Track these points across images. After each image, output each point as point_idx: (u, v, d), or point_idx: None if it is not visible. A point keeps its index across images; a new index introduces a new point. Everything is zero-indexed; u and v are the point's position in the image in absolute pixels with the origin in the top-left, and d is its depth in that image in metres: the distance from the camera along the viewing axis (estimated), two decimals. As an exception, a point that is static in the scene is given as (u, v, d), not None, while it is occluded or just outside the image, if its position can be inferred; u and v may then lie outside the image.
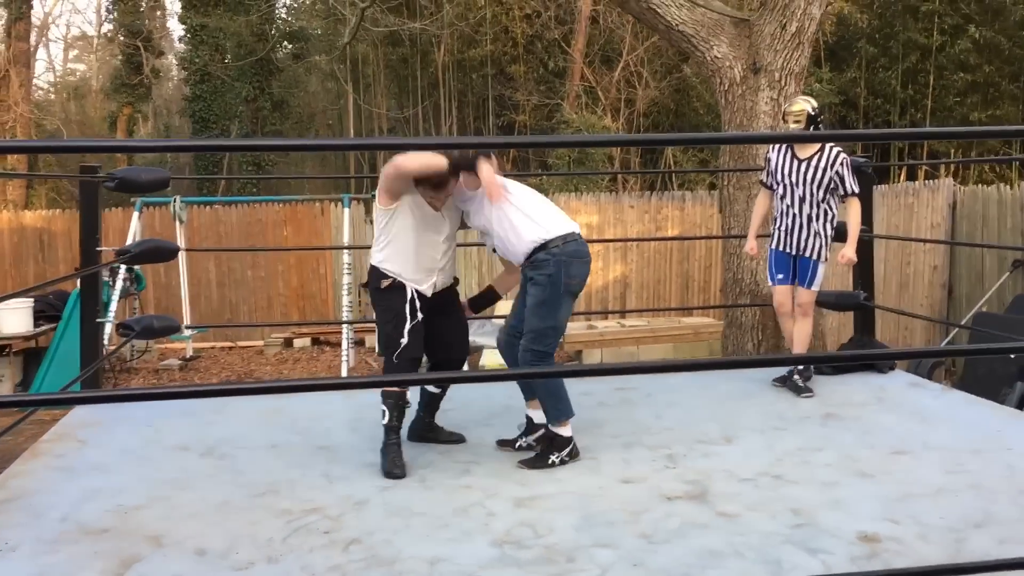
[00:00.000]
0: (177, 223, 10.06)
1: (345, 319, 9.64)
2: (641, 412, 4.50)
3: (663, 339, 10.32)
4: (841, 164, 4.82)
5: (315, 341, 11.57)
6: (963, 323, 8.56)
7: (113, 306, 9.18)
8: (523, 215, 3.82)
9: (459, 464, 3.77)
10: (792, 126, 4.95)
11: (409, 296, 3.86)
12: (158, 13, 21.98)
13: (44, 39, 26.79)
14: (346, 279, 9.64)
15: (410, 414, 4.05)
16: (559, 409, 3.78)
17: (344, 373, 8.99)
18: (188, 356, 10.61)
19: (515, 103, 17.50)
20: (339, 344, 10.16)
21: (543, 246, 3.73)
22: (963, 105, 14.96)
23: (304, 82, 21.33)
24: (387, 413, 3.81)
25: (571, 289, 3.75)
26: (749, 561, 2.77)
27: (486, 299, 4.30)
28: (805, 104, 4.97)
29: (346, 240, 10.05)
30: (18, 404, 2.32)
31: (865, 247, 5.36)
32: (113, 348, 4.99)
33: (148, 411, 4.46)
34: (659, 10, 6.45)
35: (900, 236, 10.04)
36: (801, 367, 4.90)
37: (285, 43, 20.28)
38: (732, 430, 4.17)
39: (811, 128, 4.95)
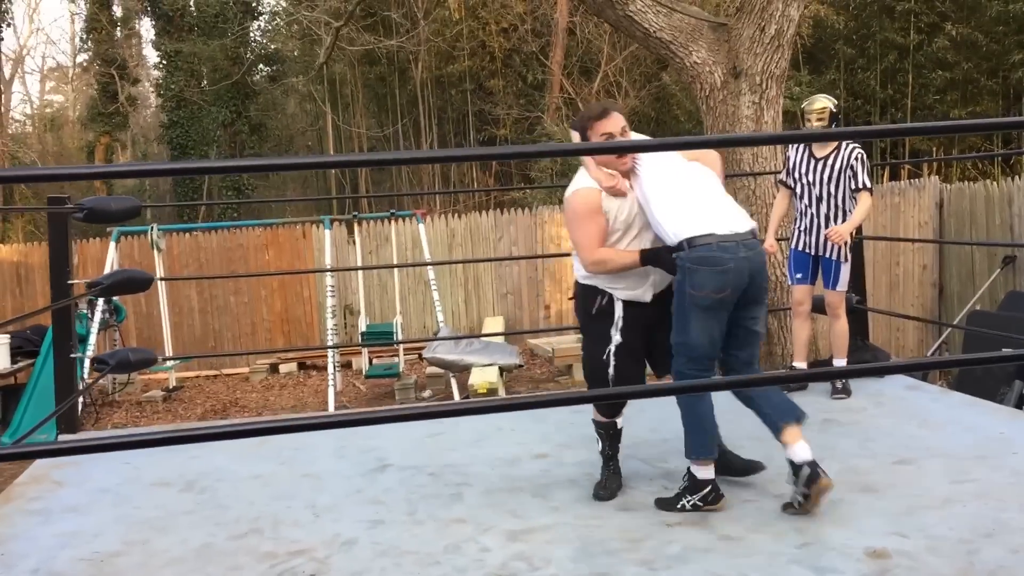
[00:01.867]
0: (155, 251, 9.89)
1: (330, 343, 9.49)
2: (635, 427, 4.35)
3: (653, 349, 10.18)
4: (856, 159, 4.77)
5: (301, 366, 11.40)
6: (956, 322, 8.48)
7: (93, 339, 9.01)
8: (658, 209, 3.32)
9: (450, 488, 3.64)
10: (816, 124, 4.89)
11: (617, 316, 3.46)
12: (133, 41, 21.85)
13: (20, 71, 26.62)
14: (330, 301, 9.50)
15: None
16: (693, 443, 3.28)
17: (331, 398, 8.82)
18: (171, 387, 10.42)
19: (495, 118, 17.44)
20: (326, 368, 9.99)
21: (679, 247, 3.24)
22: (943, 103, 14.98)
23: (282, 104, 21.22)
24: (599, 442, 3.59)
25: (697, 302, 3.17)
26: (755, 585, 2.65)
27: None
28: (827, 101, 4.92)
29: (328, 262, 9.91)
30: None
31: (856, 249, 5.28)
32: (88, 383, 4.82)
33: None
34: (636, 17, 6.36)
35: (888, 236, 9.98)
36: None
37: (261, 66, 20.18)
38: (729, 440, 4.04)
39: (833, 125, 4.91)
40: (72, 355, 4.62)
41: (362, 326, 10.40)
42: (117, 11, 20.09)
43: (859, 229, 5.14)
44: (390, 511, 3.44)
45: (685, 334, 3.23)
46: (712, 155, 3.62)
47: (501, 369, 8.87)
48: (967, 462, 3.62)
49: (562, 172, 14.18)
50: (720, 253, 3.15)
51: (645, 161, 3.41)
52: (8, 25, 17.62)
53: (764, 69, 6.22)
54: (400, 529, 3.26)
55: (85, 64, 22.05)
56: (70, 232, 4.70)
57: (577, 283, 3.57)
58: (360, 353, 10.76)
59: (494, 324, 11.68)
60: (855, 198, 4.82)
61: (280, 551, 3.09)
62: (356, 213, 10.95)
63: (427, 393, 9.65)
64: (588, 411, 4.55)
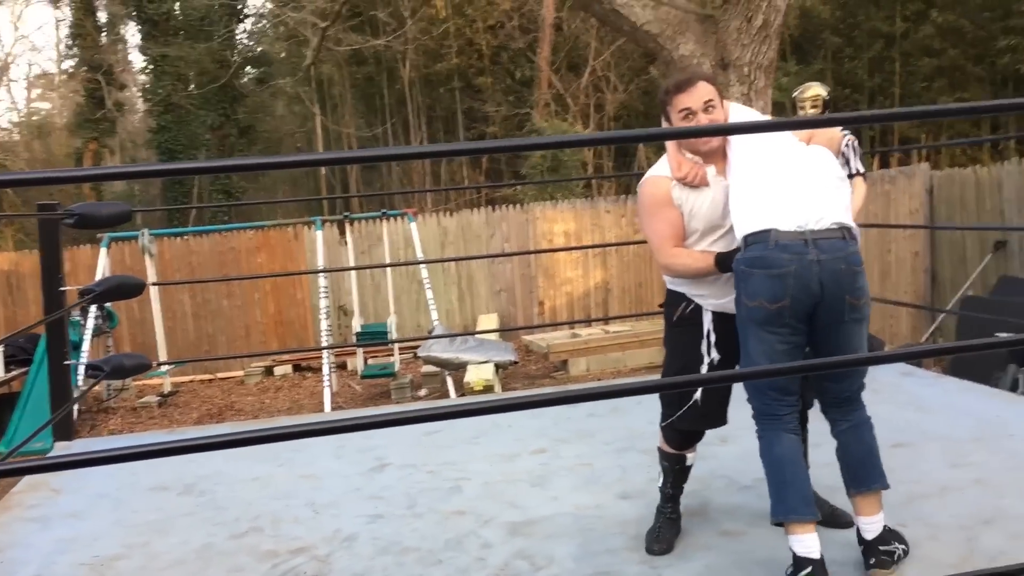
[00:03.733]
0: (146, 256, 9.87)
1: (324, 344, 9.47)
2: (631, 419, 4.37)
3: (648, 343, 10.22)
4: (847, 146, 4.76)
5: (296, 368, 11.38)
6: (949, 308, 8.51)
7: (86, 346, 8.98)
8: (731, 200, 2.71)
9: (448, 483, 3.64)
10: (810, 111, 4.86)
11: (706, 328, 2.84)
12: (119, 46, 21.77)
13: (5, 79, 26.49)
14: (323, 303, 9.48)
15: None
16: (775, 497, 2.60)
17: (327, 399, 8.81)
18: (166, 392, 10.39)
19: (484, 115, 17.44)
20: (321, 369, 9.99)
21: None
22: (930, 90, 15.03)
23: (270, 107, 21.17)
24: (662, 476, 3.03)
25: (753, 315, 2.56)
26: None
27: None
28: (820, 89, 4.90)
29: (320, 263, 9.89)
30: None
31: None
32: (83, 390, 4.80)
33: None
34: (623, 11, 6.37)
35: (879, 224, 10.01)
36: None
37: (248, 68, 20.13)
38: (726, 429, 4.04)
39: (825, 113, 4.89)
40: (66, 362, 4.60)
41: (356, 326, 10.40)
42: (102, 16, 20.03)
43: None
44: (389, 506, 3.45)
45: (746, 356, 2.64)
46: (829, 133, 2.92)
47: (497, 366, 8.88)
48: (965, 445, 3.64)
49: (552, 168, 14.18)
50: (777, 253, 2.49)
51: (738, 140, 2.75)
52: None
53: (752, 60, 6.24)
54: (400, 523, 3.26)
55: (71, 70, 21.96)
56: (61, 239, 4.68)
57: (667, 291, 2.99)
58: (355, 353, 10.75)
59: (488, 321, 11.68)
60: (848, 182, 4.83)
61: (281, 549, 3.09)
62: (347, 213, 10.94)
63: (423, 392, 9.65)
64: (584, 404, 4.58)
